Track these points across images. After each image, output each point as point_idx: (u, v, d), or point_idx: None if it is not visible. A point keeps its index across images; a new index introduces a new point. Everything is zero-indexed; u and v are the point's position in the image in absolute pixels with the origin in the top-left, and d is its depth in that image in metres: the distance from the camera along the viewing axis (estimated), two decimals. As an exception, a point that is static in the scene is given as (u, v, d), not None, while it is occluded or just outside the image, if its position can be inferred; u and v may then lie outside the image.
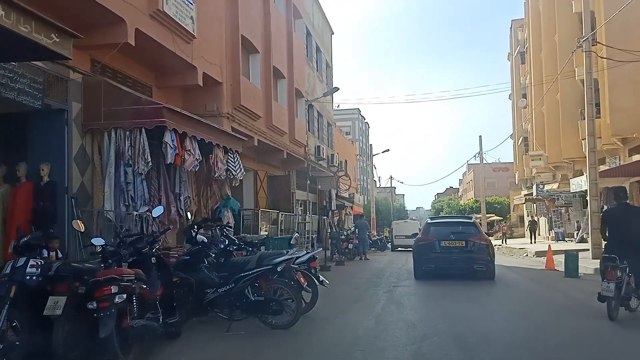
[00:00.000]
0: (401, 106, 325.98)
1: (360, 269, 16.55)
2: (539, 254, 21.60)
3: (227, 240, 6.96)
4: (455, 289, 11.19)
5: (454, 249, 12.57)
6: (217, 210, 13.40)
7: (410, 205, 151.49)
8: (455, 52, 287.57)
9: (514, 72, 39.19)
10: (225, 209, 13.37)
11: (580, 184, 22.02)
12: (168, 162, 9.57)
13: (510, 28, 40.18)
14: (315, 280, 7.20)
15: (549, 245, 16.54)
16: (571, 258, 13.36)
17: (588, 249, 21.38)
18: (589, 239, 17.05)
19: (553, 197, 29.48)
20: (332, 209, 28.65)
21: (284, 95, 18.66)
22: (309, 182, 25.69)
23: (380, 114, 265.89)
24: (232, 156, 12.64)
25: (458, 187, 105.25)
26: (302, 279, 6.36)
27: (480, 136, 42.16)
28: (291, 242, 10.16)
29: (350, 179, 28.94)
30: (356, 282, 12.66)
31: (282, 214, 17.65)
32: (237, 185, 12.80)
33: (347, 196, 31.99)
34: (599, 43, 17.43)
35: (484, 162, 74.47)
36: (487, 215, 43.52)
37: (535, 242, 27.17)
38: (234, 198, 13.70)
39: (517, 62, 37.91)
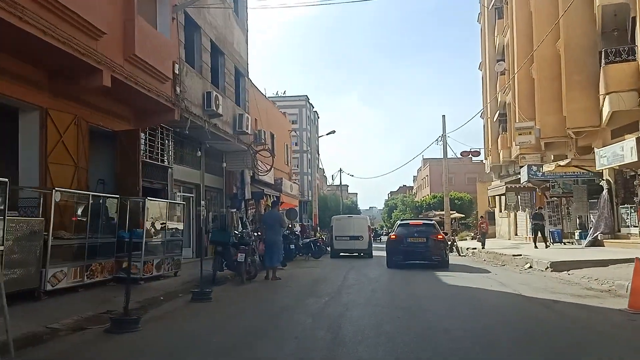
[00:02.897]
0: (356, 106, 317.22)
1: (222, 321, 7.01)
2: (556, 266, 12.96)
3: None
4: None
5: (418, 244, 14.91)
6: None
7: (363, 204, 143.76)
8: (414, 52, 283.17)
9: (486, 35, 31.01)
10: None
11: (620, 153, 13.54)
12: None
13: (483, -20, 32.01)
14: None
15: (638, 258, 7.65)
16: None
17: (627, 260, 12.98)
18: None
19: (549, 183, 21.22)
20: (246, 197, 19.29)
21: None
22: (199, 153, 16.21)
23: (332, 107, 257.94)
24: None
25: (412, 185, 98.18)
26: None
27: (443, 116, 33.88)
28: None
29: (273, 155, 19.64)
30: None
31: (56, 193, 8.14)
32: None
33: (273, 183, 22.68)
34: None
35: (440, 157, 67.24)
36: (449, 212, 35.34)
37: (537, 246, 18.56)
38: None
39: (491, 20, 29.71)
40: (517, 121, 23.51)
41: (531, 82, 23.67)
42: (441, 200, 52.89)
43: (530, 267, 14.54)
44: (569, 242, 20.71)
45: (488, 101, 29.33)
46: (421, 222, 16.91)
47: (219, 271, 11.40)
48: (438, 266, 14.38)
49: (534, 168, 19.94)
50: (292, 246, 18.66)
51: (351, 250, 20.92)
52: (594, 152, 18.36)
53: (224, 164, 18.46)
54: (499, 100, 28.28)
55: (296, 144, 60.51)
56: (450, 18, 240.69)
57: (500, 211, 30.86)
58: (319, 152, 78.94)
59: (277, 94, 66.69)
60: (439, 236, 15.09)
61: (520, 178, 23.24)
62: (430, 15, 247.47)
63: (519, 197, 24.28)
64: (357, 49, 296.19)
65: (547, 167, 18.23)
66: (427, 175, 72.73)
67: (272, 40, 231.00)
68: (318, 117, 73.44)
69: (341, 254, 21.14)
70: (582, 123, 18.64)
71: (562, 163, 16.77)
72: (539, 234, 18.65)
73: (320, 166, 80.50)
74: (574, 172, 19.30)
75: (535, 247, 18.22)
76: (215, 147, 17.80)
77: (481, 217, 23.43)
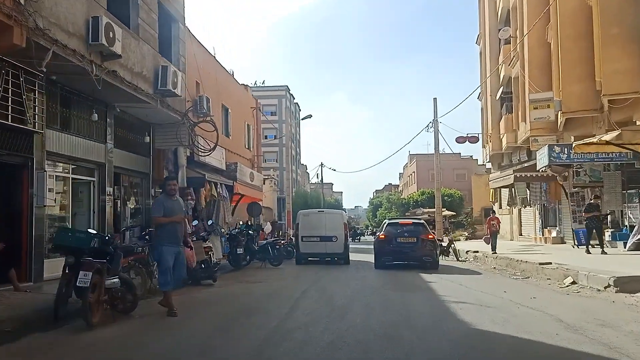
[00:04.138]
0: (345, 105, 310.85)
1: None
2: (624, 285, 8.23)
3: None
4: None
5: (407, 244, 14.19)
6: None
7: (348, 204, 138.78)
8: (403, 55, 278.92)
9: (485, 0, 26.30)
10: None
11: None
12: None
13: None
14: None
15: None
16: None
17: None
18: None
19: (572, 169, 16.53)
20: (182, 185, 14.26)
21: None
22: (95, 117, 11.20)
23: (321, 106, 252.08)
24: None
25: (398, 183, 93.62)
26: None
27: (435, 99, 29.47)
28: None
29: (217, 128, 14.60)
30: None
31: None
32: None
33: (225, 168, 17.60)
34: None
35: (427, 152, 62.62)
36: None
37: (604, 250, 13.63)
38: None
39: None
40: (527, 95, 18.86)
41: (545, 47, 19.06)
42: (430, 197, 48.30)
43: (574, 282, 9.80)
44: (598, 245, 16.03)
45: (488, 75, 24.62)
46: (411, 221, 15.97)
47: (71, 298, 6.41)
48: (429, 268, 13.60)
49: (557, 149, 15.22)
50: (240, 250, 13.76)
51: (322, 255, 15.99)
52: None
53: (146, 138, 13.41)
54: (501, 76, 23.62)
55: (275, 137, 55.66)
56: (445, 17, 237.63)
57: (500, 207, 26.20)
58: (301, 147, 74.22)
59: (255, 83, 61.74)
60: (429, 236, 14.46)
61: (534, 164, 18.56)
62: (425, 14, 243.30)
63: (529, 189, 19.60)
64: (349, 48, 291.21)
65: (579, 145, 13.48)
66: (414, 172, 68.18)
67: (264, 38, 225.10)
68: (299, 109, 68.61)
69: (310, 258, 16.25)
70: (623, 88, 13.97)
71: (606, 137, 12.04)
72: (592, 234, 13.92)
73: (301, 162, 75.80)
74: (608, 154, 14.62)
75: (603, 252, 13.46)
76: (132, 114, 12.80)
77: (492, 211, 18.61)
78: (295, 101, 66.33)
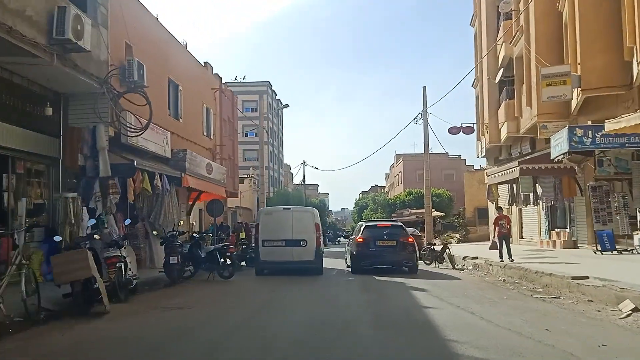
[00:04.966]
0: (333, 106, 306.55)
1: None
2: None
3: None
4: None
5: (387, 248, 13.52)
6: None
7: (335, 206, 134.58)
8: (389, 56, 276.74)
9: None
10: None
11: None
12: None
13: None
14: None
15: None
16: None
17: None
18: None
19: (595, 157, 13.43)
20: (101, 174, 10.87)
21: None
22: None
23: (308, 106, 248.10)
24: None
25: (384, 184, 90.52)
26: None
27: (424, 87, 26.34)
28: None
29: (149, 101, 11.19)
30: None
31: None
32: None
33: (170, 156, 14.11)
34: None
35: (414, 152, 59.55)
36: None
37: None
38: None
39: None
40: (534, 75, 15.78)
41: (554, 18, 16.09)
42: (417, 197, 45.21)
43: (637, 309, 6.61)
44: (626, 251, 12.94)
45: (484, 55, 21.48)
46: (389, 223, 15.63)
47: None
48: (409, 273, 13.05)
49: (579, 132, 12.06)
50: (174, 259, 10.35)
51: (288, 264, 12.56)
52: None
53: (49, 111, 9.92)
54: (501, 57, 20.49)
55: (256, 134, 52.20)
56: (436, 12, 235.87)
57: (497, 207, 23.02)
58: (284, 146, 70.80)
59: (236, 79, 58.27)
60: (409, 239, 13.92)
61: (541, 156, 15.53)
62: (414, 11, 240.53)
63: (539, 184, 16.43)
64: (336, 47, 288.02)
65: (612, 126, 10.33)
66: (401, 172, 65.22)
67: (248, 37, 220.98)
68: (281, 105, 65.22)
69: (272, 268, 12.85)
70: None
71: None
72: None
73: (285, 162, 72.31)
74: (642, 138, 11.51)
75: None
76: (24, 76, 9.38)
77: (499, 208, 15.33)
78: (277, 98, 62.92)
